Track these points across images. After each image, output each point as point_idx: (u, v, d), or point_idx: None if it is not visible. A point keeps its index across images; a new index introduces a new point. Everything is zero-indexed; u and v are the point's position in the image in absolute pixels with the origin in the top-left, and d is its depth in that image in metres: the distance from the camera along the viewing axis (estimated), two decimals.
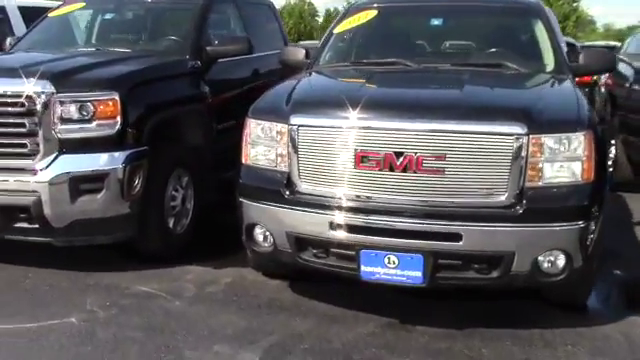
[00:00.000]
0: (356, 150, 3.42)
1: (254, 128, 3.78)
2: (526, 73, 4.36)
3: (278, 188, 3.63)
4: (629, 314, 3.86)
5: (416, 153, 3.33)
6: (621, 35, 69.47)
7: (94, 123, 4.24)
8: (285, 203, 3.60)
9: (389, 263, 3.43)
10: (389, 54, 4.70)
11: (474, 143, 3.31)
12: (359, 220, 3.44)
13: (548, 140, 3.31)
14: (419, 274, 3.40)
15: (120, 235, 4.45)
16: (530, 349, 3.45)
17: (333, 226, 3.47)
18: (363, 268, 3.48)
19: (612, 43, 20.90)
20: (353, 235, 3.46)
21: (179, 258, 4.72)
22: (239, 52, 5.52)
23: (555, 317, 3.77)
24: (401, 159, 3.35)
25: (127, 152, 4.30)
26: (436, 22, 4.91)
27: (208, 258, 4.76)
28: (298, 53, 5.04)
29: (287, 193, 3.60)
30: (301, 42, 24.56)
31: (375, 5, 5.11)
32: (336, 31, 5.08)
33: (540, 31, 4.73)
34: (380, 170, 3.39)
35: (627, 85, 6.33)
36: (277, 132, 3.66)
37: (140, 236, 4.53)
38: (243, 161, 3.85)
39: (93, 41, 6.04)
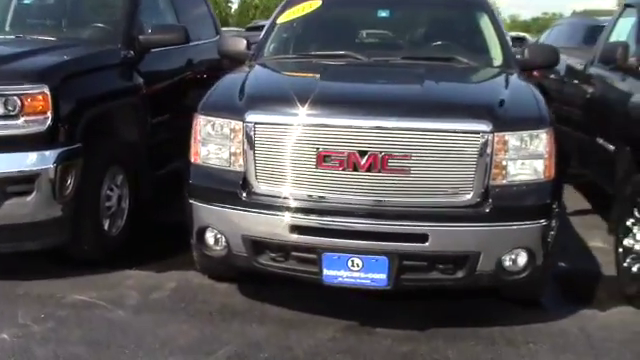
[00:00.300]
0: (318, 149, 3.26)
1: (204, 125, 3.54)
2: (477, 67, 4.32)
3: (233, 189, 3.42)
4: (580, 308, 3.91)
5: (381, 152, 3.21)
6: (526, 26, 72.38)
7: (21, 119, 3.86)
8: (241, 205, 3.39)
9: (353, 266, 3.30)
10: (337, 46, 4.55)
11: (440, 141, 3.22)
12: (321, 222, 3.28)
13: (512, 138, 3.26)
14: (384, 276, 3.29)
15: (52, 240, 4.10)
16: (494, 348, 3.42)
17: (293, 229, 3.30)
18: (325, 272, 3.33)
19: (521, 34, 21.59)
20: (315, 238, 3.30)
21: (116, 262, 4.42)
22: (175, 41, 5.21)
23: (514, 314, 3.76)
24: (365, 158, 3.22)
25: (59, 150, 3.95)
26: (383, 14, 4.79)
27: (147, 261, 4.48)
28: (239, 44, 4.80)
29: (243, 194, 3.39)
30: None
31: None
32: (279, 21, 4.88)
33: (486, 24, 4.71)
34: (343, 170, 3.24)
35: (558, 77, 6.45)
36: (231, 130, 3.44)
37: (74, 240, 4.19)
38: (192, 160, 3.61)
39: (7, 28, 5.55)
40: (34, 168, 3.88)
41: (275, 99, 3.51)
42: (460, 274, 3.32)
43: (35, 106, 3.87)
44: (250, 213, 3.37)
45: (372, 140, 3.22)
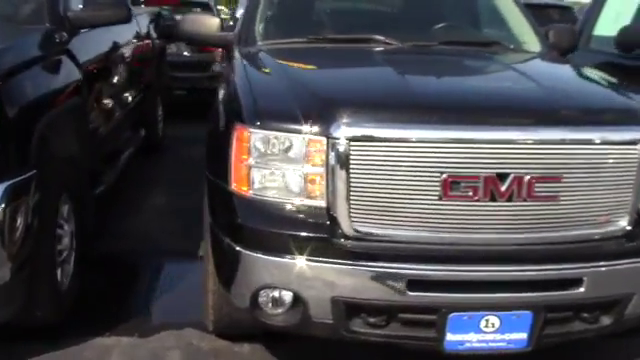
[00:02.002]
0: (443, 173, 2.35)
1: (259, 142, 2.47)
2: (533, 54, 3.61)
3: (315, 233, 2.42)
4: None
5: (527, 174, 2.38)
6: None
7: None
8: (332, 256, 2.40)
9: (486, 327, 2.47)
10: (356, 27, 3.61)
11: (595, 155, 2.46)
12: (449, 273, 2.40)
13: None
14: (524, 336, 2.50)
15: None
16: None
17: (411, 284, 2.38)
18: (449, 337, 2.46)
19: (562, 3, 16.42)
20: (440, 294, 2.41)
21: (79, 325, 3.20)
22: (114, 20, 3.93)
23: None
24: (507, 183, 2.37)
25: (7, 184, 2.65)
26: None
27: (117, 318, 3.31)
28: (211, 23, 3.68)
29: (334, 240, 2.40)
30: None
31: None
32: None
33: (510, 3, 4.02)
34: (478, 201, 2.38)
35: None
36: (307, 148, 2.42)
37: (24, 306, 2.91)
38: (235, 190, 2.53)
39: None
40: None
41: (373, 105, 2.51)
42: (606, 321, 2.61)
43: None
44: (347, 267, 2.39)
45: (515, 159, 2.38)
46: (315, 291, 2.43)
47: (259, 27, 3.67)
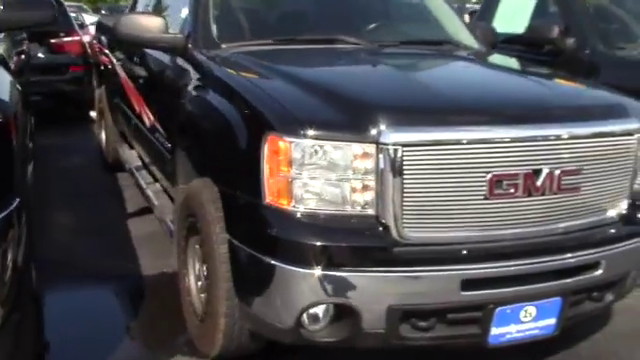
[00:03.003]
0: (488, 172, 2.40)
1: (301, 151, 2.35)
2: (479, 51, 3.78)
3: (369, 242, 2.36)
4: None
5: (557, 168, 2.51)
6: None
7: None
8: (387, 264, 2.36)
9: (525, 317, 2.57)
10: (315, 27, 3.55)
11: (606, 147, 2.65)
12: (497, 269, 2.46)
13: None
14: (553, 322, 2.64)
15: None
16: None
17: (465, 284, 2.41)
18: (493, 331, 2.53)
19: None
20: (488, 291, 2.46)
21: None
22: (42, 21, 3.48)
23: None
24: (542, 178, 2.49)
25: None
26: None
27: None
28: (155, 24, 3.42)
29: (388, 248, 2.35)
30: None
31: None
32: None
33: (444, 5, 4.19)
34: (517, 197, 2.46)
35: None
36: (354, 156, 2.34)
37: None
38: (274, 204, 2.39)
39: None
40: None
41: (420, 109, 2.48)
42: (609, 297, 2.85)
43: None
44: (403, 274, 2.36)
45: (546, 154, 2.50)
46: (370, 302, 2.37)
47: (214, 29, 3.45)
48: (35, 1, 3.50)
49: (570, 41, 4.54)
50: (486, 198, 2.42)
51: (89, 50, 9.15)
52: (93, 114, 7.12)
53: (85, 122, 7.85)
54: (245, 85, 2.73)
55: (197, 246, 3.15)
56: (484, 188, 2.40)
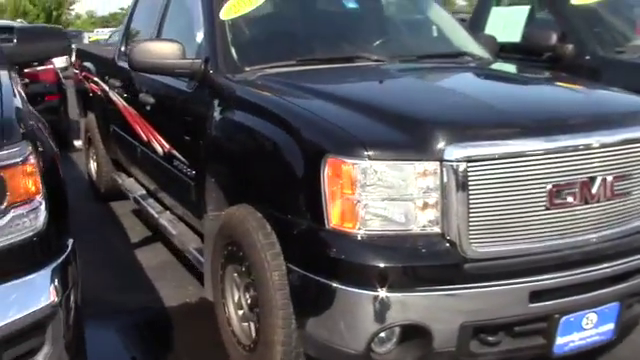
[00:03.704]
0: (549, 183, 2.41)
1: (363, 173, 2.32)
2: (494, 61, 3.83)
3: (438, 261, 2.34)
4: None
5: (609, 174, 2.54)
6: (106, 21, 71.15)
7: (8, 216, 1.98)
8: (458, 281, 2.34)
9: (587, 324, 2.58)
10: (336, 47, 3.53)
11: None
12: (562, 279, 2.47)
13: None
14: (612, 326, 2.66)
15: None
16: None
17: (533, 296, 2.41)
18: (559, 341, 2.54)
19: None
20: (554, 302, 2.47)
21: None
22: (56, 53, 3.40)
23: None
24: (597, 185, 2.51)
25: (54, 264, 2.15)
26: (351, 5, 3.87)
27: None
28: (172, 51, 3.36)
29: (458, 266, 2.34)
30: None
31: None
32: (226, 17, 3.55)
33: (439, 10, 4.24)
34: (575, 205, 2.48)
35: None
36: (418, 174, 2.32)
37: None
38: (339, 228, 2.35)
39: None
40: (41, 307, 2.04)
41: (480, 125, 2.48)
42: None
43: (22, 185, 2.03)
44: (474, 290, 2.35)
45: (599, 161, 2.53)
46: (442, 321, 2.35)
47: (233, 53, 3.40)
48: (48, 31, 3.42)
49: (569, 47, 4.63)
50: (547, 208, 2.43)
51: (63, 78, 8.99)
52: (78, 143, 6.96)
53: (64, 151, 7.66)
54: (291, 108, 2.69)
55: (235, 274, 3.09)
56: (545, 198, 2.41)
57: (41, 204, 2.06)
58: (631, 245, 2.64)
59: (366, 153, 2.31)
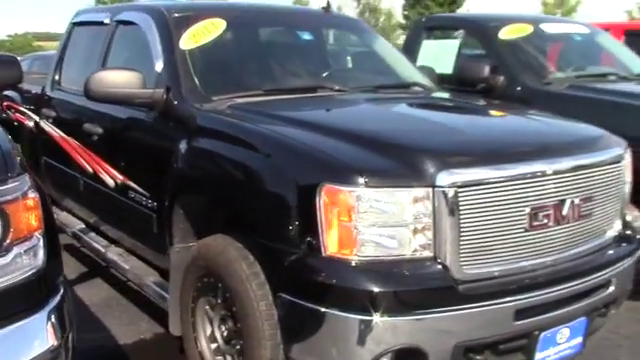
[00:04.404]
0: (527, 206, 2.56)
1: (359, 200, 2.37)
2: (440, 91, 4.01)
3: (432, 284, 2.42)
4: None
5: (576, 197, 2.73)
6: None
7: (12, 253, 1.87)
8: (452, 303, 2.42)
9: (561, 339, 2.74)
10: (298, 78, 3.59)
11: (606, 174, 2.91)
12: (541, 297, 2.61)
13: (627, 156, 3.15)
14: (580, 340, 2.84)
15: None
16: None
17: (517, 315, 2.54)
18: (537, 356, 2.68)
19: None
20: (535, 318, 2.61)
21: None
22: (9, 82, 3.24)
23: None
24: (567, 207, 2.69)
25: (52, 305, 2.05)
26: (307, 36, 3.94)
27: None
28: (132, 80, 3.31)
29: (452, 288, 2.43)
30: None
31: (215, 12, 3.76)
32: (186, 48, 3.52)
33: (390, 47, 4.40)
34: (551, 227, 2.65)
35: None
36: (411, 200, 2.40)
37: None
38: (335, 255, 2.39)
39: None
40: (42, 352, 1.94)
41: (469, 152, 2.58)
42: (613, 311, 3.09)
43: (24, 221, 1.93)
44: (465, 311, 2.44)
45: (568, 185, 2.71)
46: (438, 342, 2.42)
47: (197, 82, 3.38)
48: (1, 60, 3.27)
49: (500, 79, 4.91)
50: (526, 230, 2.57)
51: None
52: None
53: None
54: (277, 138, 2.70)
55: (207, 307, 3.04)
56: (525, 221, 2.56)
57: (39, 240, 1.96)
58: (595, 262, 2.84)
59: (362, 180, 2.37)
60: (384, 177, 2.40)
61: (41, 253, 1.95)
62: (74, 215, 4.78)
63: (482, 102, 3.74)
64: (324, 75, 3.61)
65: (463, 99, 3.79)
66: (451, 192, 2.40)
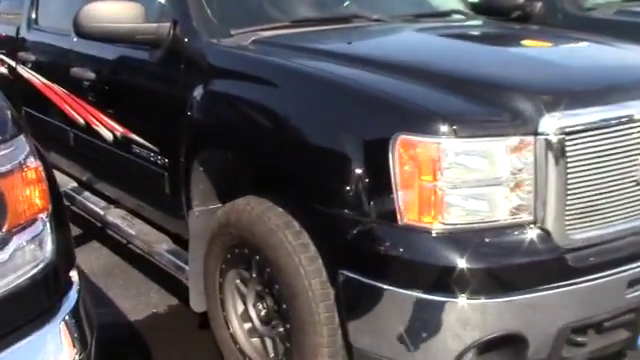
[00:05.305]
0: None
1: (446, 154, 1.87)
2: (485, 19, 3.47)
3: (538, 256, 1.95)
4: None
5: None
6: None
7: (11, 245, 1.36)
8: (555, 279, 1.96)
9: None
10: (328, 6, 3.04)
11: None
12: None
13: None
14: None
15: None
16: None
17: (630, 285, 2.09)
18: None
19: None
20: None
21: None
22: None
23: None
24: None
25: (67, 310, 1.54)
26: None
27: None
28: (131, 13, 2.74)
29: (556, 259, 1.96)
30: None
31: None
32: None
33: None
34: None
35: None
36: (512, 153, 1.91)
37: None
38: (415, 224, 1.90)
39: None
40: None
41: (573, 91, 2.07)
42: None
43: (24, 200, 1.41)
44: (574, 287, 1.98)
45: None
46: (540, 326, 1.98)
47: (209, 15, 2.80)
48: None
49: (538, 5, 4.38)
50: (638, 184, 2.10)
51: None
52: None
53: None
54: (333, 79, 2.16)
55: (239, 281, 2.58)
56: (637, 172, 2.08)
57: (46, 224, 1.44)
58: None
59: (448, 129, 1.86)
60: (474, 125, 1.90)
61: (49, 242, 1.44)
62: (63, 172, 4.22)
63: (551, 30, 3.21)
64: (356, 3, 3.03)
65: (525, 28, 3.25)
66: (557, 140, 1.91)
